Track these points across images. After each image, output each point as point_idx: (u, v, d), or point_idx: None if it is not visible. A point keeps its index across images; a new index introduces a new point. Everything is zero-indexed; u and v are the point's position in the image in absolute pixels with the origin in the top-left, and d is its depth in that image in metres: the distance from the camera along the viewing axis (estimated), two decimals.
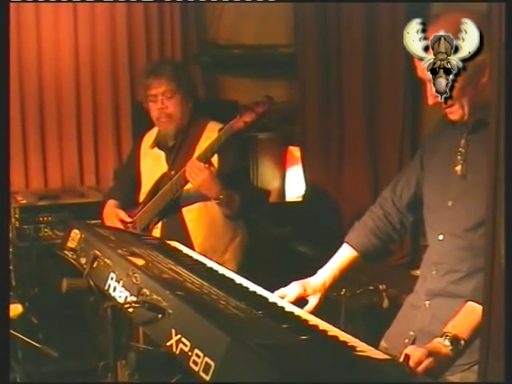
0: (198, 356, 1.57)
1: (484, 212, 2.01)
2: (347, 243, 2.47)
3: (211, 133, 3.35)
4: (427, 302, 2.24)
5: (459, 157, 2.16)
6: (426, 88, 2.09)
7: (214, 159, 3.27)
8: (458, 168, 2.16)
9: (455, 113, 2.09)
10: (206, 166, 3.17)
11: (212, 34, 5.01)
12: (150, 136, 3.57)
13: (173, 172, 3.39)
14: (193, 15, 4.87)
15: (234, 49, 4.99)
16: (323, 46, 4.61)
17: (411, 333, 2.24)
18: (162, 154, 3.50)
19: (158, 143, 3.52)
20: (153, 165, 3.53)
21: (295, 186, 5.08)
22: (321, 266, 2.47)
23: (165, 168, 3.47)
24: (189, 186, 3.28)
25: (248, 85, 5.08)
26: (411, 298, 2.37)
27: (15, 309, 3.33)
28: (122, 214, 3.51)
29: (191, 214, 3.38)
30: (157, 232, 3.44)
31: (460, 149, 2.17)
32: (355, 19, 4.31)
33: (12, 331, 2.65)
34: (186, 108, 3.41)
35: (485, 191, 2.01)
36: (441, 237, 2.21)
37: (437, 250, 2.24)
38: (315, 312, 2.28)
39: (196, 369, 1.57)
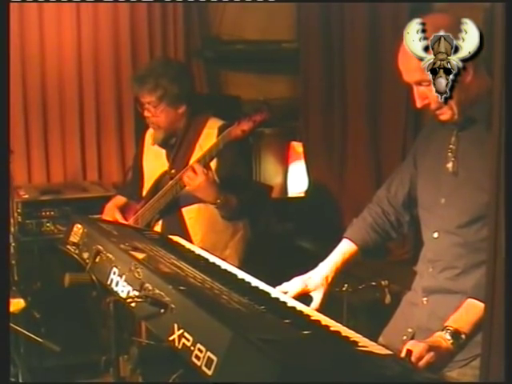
0: (201, 351, 1.58)
1: (477, 208, 2.05)
2: (346, 238, 2.47)
3: (211, 130, 3.35)
4: (425, 299, 2.24)
5: (450, 154, 2.18)
6: (413, 92, 2.11)
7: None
8: (450, 165, 2.17)
9: (445, 114, 2.10)
10: (204, 170, 3.16)
11: (215, 29, 5.00)
12: (151, 132, 3.57)
13: (173, 171, 3.39)
14: (196, 10, 4.86)
15: (237, 44, 4.97)
16: (326, 42, 4.60)
17: (409, 330, 2.25)
18: (163, 151, 3.49)
19: (158, 141, 3.51)
20: (154, 161, 3.53)
21: (298, 181, 5.07)
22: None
23: (165, 166, 3.46)
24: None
25: (251, 80, 5.08)
26: (409, 295, 2.37)
27: (17, 303, 3.33)
28: (119, 217, 3.53)
29: (190, 213, 3.38)
30: (157, 229, 3.43)
31: (451, 146, 2.18)
32: (358, 14, 4.30)
33: (14, 326, 2.66)
34: (173, 114, 3.36)
35: (477, 187, 2.04)
36: (435, 234, 2.22)
37: (432, 248, 2.24)
38: (321, 308, 2.29)
39: (198, 363, 1.57)
